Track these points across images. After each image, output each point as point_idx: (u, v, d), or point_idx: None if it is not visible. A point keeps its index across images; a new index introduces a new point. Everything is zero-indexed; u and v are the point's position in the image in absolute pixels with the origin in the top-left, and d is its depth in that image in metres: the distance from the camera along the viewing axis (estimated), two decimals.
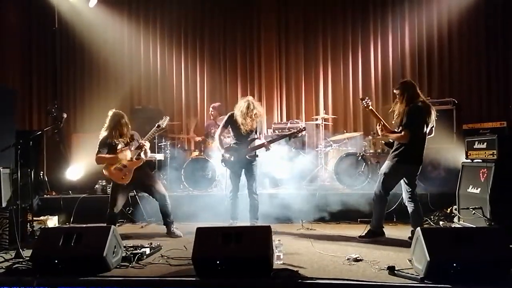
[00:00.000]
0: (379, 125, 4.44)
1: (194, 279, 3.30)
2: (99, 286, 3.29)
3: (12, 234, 4.47)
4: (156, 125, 4.69)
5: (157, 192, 4.78)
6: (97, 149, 4.70)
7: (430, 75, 7.72)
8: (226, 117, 5.11)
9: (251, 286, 3.25)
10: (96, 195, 6.17)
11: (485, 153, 4.64)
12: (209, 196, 5.99)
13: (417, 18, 7.78)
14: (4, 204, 4.63)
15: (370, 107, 4.56)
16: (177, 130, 8.04)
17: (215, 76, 8.34)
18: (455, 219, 4.96)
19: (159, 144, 6.83)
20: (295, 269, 3.46)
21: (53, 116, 7.12)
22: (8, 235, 4.54)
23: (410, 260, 3.48)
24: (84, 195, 6.10)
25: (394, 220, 5.27)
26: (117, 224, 5.38)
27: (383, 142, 4.66)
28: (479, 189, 4.56)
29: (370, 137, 6.65)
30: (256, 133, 5.02)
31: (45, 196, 6.30)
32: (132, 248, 3.99)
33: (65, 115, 6.40)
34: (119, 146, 4.66)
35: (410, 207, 4.41)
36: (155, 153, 6.75)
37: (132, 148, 4.65)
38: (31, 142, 4.63)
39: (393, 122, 4.54)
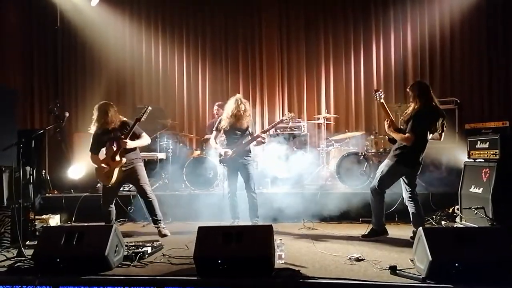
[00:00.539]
0: (387, 121, 4.39)
1: (195, 278, 3.30)
2: (100, 285, 3.30)
3: (14, 233, 4.49)
4: (135, 118, 4.64)
5: (138, 187, 4.71)
6: (90, 147, 4.73)
7: (432, 75, 7.70)
8: (217, 121, 5.15)
9: (252, 286, 3.25)
10: (97, 194, 6.14)
11: (487, 152, 4.62)
12: (210, 195, 5.99)
13: (419, 17, 7.77)
14: (6, 203, 4.64)
15: (382, 101, 4.49)
16: (179, 128, 8.04)
17: (217, 75, 8.34)
18: (457, 219, 4.95)
19: (161, 143, 6.83)
20: (297, 268, 3.45)
21: (55, 115, 7.12)
22: (10, 233, 4.56)
23: (412, 260, 3.47)
24: (86, 194, 6.11)
25: (396, 219, 5.26)
26: (119, 223, 5.41)
27: (386, 137, 4.64)
28: (481, 189, 4.55)
29: (372, 136, 6.63)
30: (248, 132, 5.04)
31: (47, 195, 6.31)
32: (133, 247, 3.99)
33: (67, 114, 6.38)
34: (107, 144, 4.64)
35: (410, 207, 4.40)
36: (157, 152, 6.75)
37: (115, 146, 4.59)
38: (33, 141, 4.65)
39: (400, 120, 4.53)
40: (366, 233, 4.49)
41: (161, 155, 6.78)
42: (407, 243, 4.15)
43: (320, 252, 4.02)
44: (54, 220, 5.58)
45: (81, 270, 3.43)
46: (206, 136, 6.97)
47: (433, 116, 4.19)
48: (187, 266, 3.58)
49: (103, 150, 4.71)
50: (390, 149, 4.62)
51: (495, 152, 4.47)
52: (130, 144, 4.59)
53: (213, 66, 8.36)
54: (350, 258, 3.70)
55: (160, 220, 4.73)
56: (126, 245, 3.94)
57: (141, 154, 4.97)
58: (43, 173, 6.62)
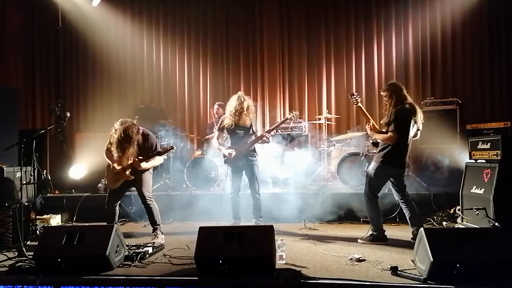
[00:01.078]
0: (368, 124, 4.44)
1: (196, 278, 3.31)
2: (102, 285, 3.30)
3: (15, 233, 4.49)
4: (157, 152, 4.58)
5: (139, 192, 4.66)
6: (108, 144, 4.64)
7: (434, 75, 7.69)
8: (220, 121, 5.13)
9: (253, 286, 3.25)
10: (99, 194, 6.17)
11: (488, 153, 4.61)
12: (211, 195, 5.99)
13: (420, 17, 7.75)
14: (7, 203, 4.64)
15: (359, 104, 4.56)
16: (180, 129, 8.03)
17: (218, 75, 8.34)
18: (459, 220, 4.95)
19: (162, 144, 6.83)
20: (298, 269, 3.46)
21: (57, 115, 7.14)
22: (11, 233, 4.57)
23: (413, 261, 3.47)
24: (87, 194, 6.11)
25: (397, 220, 5.25)
26: (120, 223, 5.41)
27: (370, 141, 4.67)
28: (482, 189, 4.54)
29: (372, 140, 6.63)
30: (252, 130, 5.02)
31: (48, 195, 6.31)
32: (134, 247, 4.00)
33: (68, 114, 6.40)
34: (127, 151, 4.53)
35: (405, 210, 4.40)
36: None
37: (130, 160, 4.48)
38: (34, 141, 4.64)
39: (381, 122, 4.56)
40: (365, 236, 4.46)
41: (161, 159, 6.76)
42: (408, 244, 4.15)
43: (321, 252, 4.02)
44: (55, 220, 5.59)
45: (82, 270, 3.44)
46: (207, 136, 6.98)
47: (410, 113, 4.26)
48: (188, 267, 3.59)
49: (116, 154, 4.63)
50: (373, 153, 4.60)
51: (497, 153, 4.47)
52: (143, 166, 4.55)
53: (214, 66, 8.36)
54: (351, 259, 3.70)
55: (158, 226, 4.62)
56: (127, 245, 3.95)
57: None
58: (44, 173, 6.62)
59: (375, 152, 6.22)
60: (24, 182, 4.65)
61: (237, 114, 4.87)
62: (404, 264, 3.52)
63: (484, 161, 4.69)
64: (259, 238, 3.40)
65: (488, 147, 4.63)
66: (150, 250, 3.98)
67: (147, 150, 4.59)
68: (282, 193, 5.95)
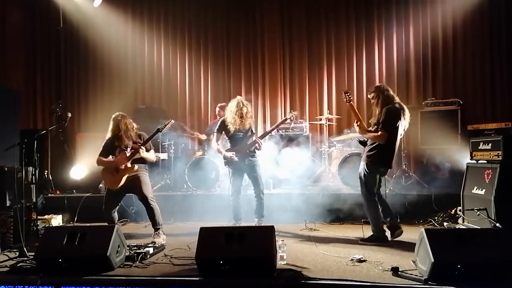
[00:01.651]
0: (357, 123, 4.46)
1: (197, 279, 3.31)
2: (102, 285, 3.30)
3: (16, 233, 4.49)
4: (157, 129, 4.67)
5: (139, 195, 4.67)
6: (100, 151, 4.72)
7: (435, 76, 7.69)
8: (218, 123, 5.15)
9: (254, 286, 3.25)
10: (100, 194, 6.16)
11: (490, 154, 4.61)
12: (212, 196, 6.00)
13: (421, 18, 7.74)
14: (8, 203, 4.65)
15: (351, 102, 4.58)
16: (181, 129, 8.03)
17: (219, 76, 8.34)
18: (460, 220, 4.94)
19: (163, 144, 6.84)
20: (299, 269, 3.45)
21: (58, 116, 7.15)
22: (12, 233, 4.57)
23: (414, 261, 3.47)
24: (88, 194, 6.11)
25: (398, 221, 5.24)
26: (121, 224, 5.41)
27: (357, 140, 4.70)
28: (483, 190, 4.53)
29: (360, 138, 6.60)
30: (251, 133, 5.04)
31: (49, 195, 6.33)
32: (135, 248, 4.01)
33: (69, 115, 6.42)
34: (117, 151, 4.64)
35: (378, 204, 4.46)
36: (159, 152, 6.76)
37: (128, 151, 4.59)
38: (35, 142, 4.65)
39: (369, 121, 4.60)
40: (367, 237, 4.46)
41: (163, 156, 6.79)
42: (409, 245, 4.14)
43: (322, 253, 4.01)
44: (56, 220, 5.60)
45: (83, 270, 3.44)
46: (207, 136, 6.98)
47: (400, 113, 4.30)
48: (189, 267, 3.59)
49: (111, 157, 4.67)
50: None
51: (498, 153, 4.46)
52: (144, 152, 4.57)
53: (215, 66, 8.36)
54: (352, 259, 3.70)
55: (159, 227, 4.62)
56: (128, 246, 3.95)
57: None
58: (46, 173, 6.64)
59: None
60: (25, 182, 4.66)
61: (237, 119, 4.92)
62: (405, 264, 3.52)
63: (485, 161, 4.68)
64: (260, 239, 3.40)
65: (489, 148, 4.63)
66: (151, 250, 3.98)
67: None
68: (283, 193, 5.95)
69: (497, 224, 4.09)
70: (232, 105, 5.00)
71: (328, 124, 7.03)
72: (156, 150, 6.60)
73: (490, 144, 4.63)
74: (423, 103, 7.06)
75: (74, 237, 3.57)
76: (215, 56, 8.37)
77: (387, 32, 7.90)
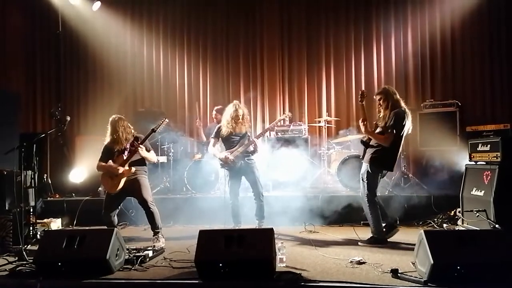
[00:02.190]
0: (363, 122, 4.43)
1: (197, 281, 3.31)
2: None
3: (15, 237, 4.49)
4: (151, 129, 4.65)
5: (138, 198, 4.65)
6: (99, 156, 4.72)
7: (433, 77, 7.70)
8: (215, 129, 5.17)
9: None
10: (99, 198, 6.15)
11: (488, 155, 4.62)
12: (212, 198, 5.99)
13: (419, 20, 7.77)
14: (7, 207, 4.65)
15: (363, 103, 4.57)
16: (180, 131, 8.04)
17: (218, 78, 8.35)
18: (459, 222, 4.94)
19: (162, 147, 6.84)
20: (298, 271, 3.45)
21: (57, 119, 7.14)
22: (11, 237, 4.56)
23: (414, 263, 3.47)
24: (87, 198, 6.10)
25: (397, 223, 5.24)
26: (120, 227, 5.40)
27: (360, 140, 4.69)
28: (482, 191, 4.54)
29: (363, 138, 6.61)
30: (247, 136, 5.06)
31: (48, 198, 6.31)
32: (135, 251, 4.00)
33: (68, 118, 6.40)
34: (116, 154, 4.64)
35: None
36: (158, 155, 6.75)
37: (126, 154, 4.59)
38: (34, 145, 4.65)
39: (374, 122, 4.62)
40: (366, 239, 4.46)
41: (162, 159, 6.79)
42: (408, 246, 4.15)
43: (321, 255, 4.01)
44: (56, 224, 5.59)
45: (82, 273, 3.44)
46: (206, 138, 6.97)
47: (406, 116, 4.34)
48: (188, 270, 3.59)
49: (110, 161, 4.65)
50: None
51: (497, 155, 4.47)
52: (143, 151, 4.58)
53: (214, 69, 8.37)
54: (351, 261, 3.70)
55: (159, 230, 4.61)
56: (127, 249, 3.95)
57: None
58: (45, 177, 6.63)
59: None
60: (25, 186, 4.65)
61: (233, 122, 4.94)
62: (405, 266, 3.52)
63: (484, 163, 4.69)
64: (259, 241, 3.40)
65: (488, 149, 4.64)
66: (150, 253, 3.97)
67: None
68: (282, 196, 5.95)
69: (497, 225, 4.10)
70: (228, 109, 5.06)
71: (327, 126, 7.04)
72: (155, 153, 6.62)
73: (489, 146, 4.64)
74: (422, 104, 7.07)
75: (73, 241, 3.57)
76: (214, 59, 8.38)
77: (386, 33, 7.92)
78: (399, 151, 4.44)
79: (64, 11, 8.00)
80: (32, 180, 4.86)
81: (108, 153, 4.69)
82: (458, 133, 6.62)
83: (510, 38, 7.37)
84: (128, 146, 4.63)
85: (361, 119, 4.45)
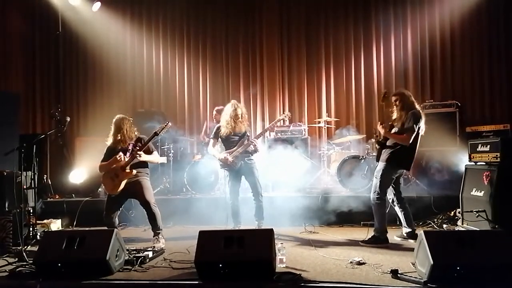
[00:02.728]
0: (382, 124, 4.53)
1: (196, 282, 3.30)
2: None
3: (15, 238, 4.49)
4: (154, 132, 4.63)
5: (141, 200, 4.64)
6: (102, 157, 4.71)
7: (433, 78, 7.70)
8: (214, 129, 5.16)
9: None
10: (99, 199, 6.17)
11: (488, 155, 4.62)
12: (211, 199, 5.99)
13: (419, 20, 7.78)
14: (7, 208, 4.65)
15: (384, 103, 4.68)
16: (180, 132, 8.04)
17: (218, 79, 8.36)
18: (459, 222, 4.94)
19: (162, 148, 6.84)
20: (298, 272, 3.45)
21: (57, 120, 7.14)
22: (11, 238, 4.56)
23: (414, 264, 3.47)
24: (87, 199, 6.10)
25: (398, 223, 5.24)
26: (120, 228, 5.40)
27: (377, 141, 4.73)
28: (482, 192, 4.54)
29: (372, 139, 6.63)
30: (247, 136, 5.05)
31: (48, 199, 6.31)
32: (135, 252, 4.00)
33: (68, 119, 6.40)
34: (118, 154, 4.61)
35: (402, 208, 4.62)
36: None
37: (127, 156, 4.57)
38: (34, 146, 4.65)
39: (390, 123, 4.65)
40: (367, 239, 4.47)
41: (163, 159, 6.78)
42: (408, 247, 4.15)
43: (321, 256, 4.01)
44: (56, 225, 5.59)
45: (82, 274, 3.44)
46: (204, 136, 6.97)
47: (422, 117, 4.43)
48: (188, 271, 3.58)
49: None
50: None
51: (496, 155, 4.47)
52: (143, 156, 4.58)
53: (214, 69, 8.37)
54: (351, 262, 3.70)
55: (159, 231, 4.61)
56: (127, 250, 3.95)
57: None
58: (45, 177, 6.63)
59: (375, 155, 6.29)
60: (25, 186, 4.65)
61: (233, 122, 4.93)
62: (405, 267, 3.52)
63: (484, 163, 4.70)
64: (259, 242, 3.40)
65: (488, 150, 4.64)
66: (150, 254, 3.97)
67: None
68: (281, 196, 5.95)
69: (496, 226, 4.10)
70: (227, 108, 5.04)
71: (327, 126, 7.04)
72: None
73: (488, 146, 4.64)
74: (422, 105, 7.01)
75: (73, 242, 3.57)
76: (214, 59, 8.39)
77: (385, 33, 7.92)
78: (416, 151, 4.49)
79: (64, 11, 8.01)
80: (32, 181, 4.87)
81: (111, 153, 4.67)
82: (457, 133, 6.62)
83: (509, 38, 7.37)
84: (130, 147, 4.61)
85: (379, 122, 4.55)
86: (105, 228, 4.56)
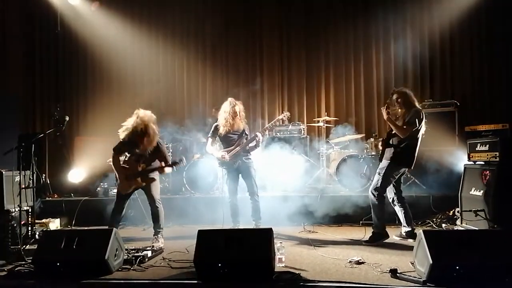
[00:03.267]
0: (387, 109, 4.53)
1: (195, 282, 3.31)
2: None
3: (14, 237, 4.48)
4: (172, 162, 4.66)
5: (148, 194, 4.64)
6: (117, 148, 4.60)
7: (432, 77, 7.71)
8: (212, 127, 5.15)
9: None
10: (97, 198, 6.18)
11: (487, 155, 4.63)
12: (210, 198, 5.99)
13: (418, 20, 7.78)
14: (6, 207, 4.64)
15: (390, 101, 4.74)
16: (180, 132, 8.03)
17: (218, 79, 8.34)
18: (458, 222, 4.95)
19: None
20: (297, 272, 3.45)
21: (56, 119, 7.13)
22: (10, 237, 4.55)
23: (413, 263, 3.47)
24: (86, 198, 6.10)
25: (396, 222, 5.24)
26: (119, 227, 5.39)
27: (382, 140, 4.75)
28: (481, 191, 4.55)
29: (371, 139, 6.64)
30: (245, 135, 5.04)
31: (47, 199, 6.30)
32: (134, 251, 4.00)
33: (67, 118, 6.39)
34: (133, 157, 4.60)
35: (402, 207, 4.63)
36: None
37: (140, 166, 4.55)
38: (33, 145, 4.64)
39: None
40: (368, 238, 4.48)
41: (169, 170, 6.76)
42: (407, 246, 4.15)
43: (320, 255, 4.01)
44: (54, 224, 5.59)
45: (81, 274, 3.44)
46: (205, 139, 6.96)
47: (423, 117, 4.48)
48: (187, 270, 3.59)
49: (126, 157, 4.67)
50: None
51: (495, 155, 4.48)
52: (167, 171, 4.64)
53: (214, 71, 8.36)
54: (350, 261, 3.70)
55: (160, 230, 4.60)
56: (126, 249, 3.94)
57: None
58: (43, 177, 6.61)
59: (374, 154, 6.30)
60: (23, 186, 4.65)
61: (231, 119, 4.91)
62: (404, 266, 3.52)
63: (483, 163, 4.70)
64: (258, 241, 3.41)
65: (487, 149, 4.65)
66: (149, 253, 3.97)
67: (155, 156, 4.63)
68: (281, 196, 5.95)
69: (495, 225, 4.11)
70: (224, 106, 5.02)
71: (326, 126, 7.04)
72: None
73: (487, 146, 4.65)
74: (421, 104, 7.05)
75: (72, 241, 3.57)
76: (214, 60, 8.37)
77: (385, 33, 7.93)
78: (417, 149, 4.50)
79: (64, 11, 8.00)
80: (31, 180, 4.85)
81: (124, 149, 4.60)
82: (457, 133, 6.63)
83: (508, 38, 7.37)
84: (147, 154, 4.57)
85: (385, 106, 4.54)
86: (104, 227, 4.54)
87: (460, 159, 5.92)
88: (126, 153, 4.69)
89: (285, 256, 3.71)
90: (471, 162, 4.94)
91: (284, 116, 5.33)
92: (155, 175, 4.69)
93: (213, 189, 6.31)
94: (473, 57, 7.55)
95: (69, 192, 6.54)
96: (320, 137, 7.25)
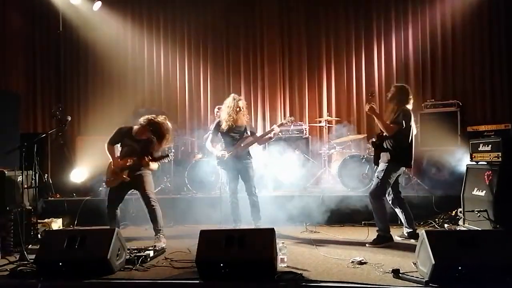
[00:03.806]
0: (369, 104, 4.51)
1: (197, 281, 3.31)
2: None
3: (16, 237, 4.49)
4: (165, 155, 4.69)
5: (142, 194, 4.64)
6: (112, 137, 4.66)
7: (434, 77, 7.69)
8: (214, 123, 5.13)
9: None
10: (100, 198, 6.16)
11: (489, 155, 4.61)
12: (212, 198, 5.99)
13: (420, 19, 7.75)
14: (8, 207, 4.64)
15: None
16: (181, 132, 8.04)
17: (219, 78, 8.35)
18: (460, 222, 4.94)
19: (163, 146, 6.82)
20: (299, 272, 3.45)
21: (58, 119, 7.14)
22: (12, 237, 4.56)
23: (415, 263, 3.47)
24: (88, 198, 6.10)
25: (399, 222, 5.23)
26: (121, 227, 5.39)
27: (371, 141, 4.74)
28: (484, 191, 4.53)
29: (373, 139, 6.62)
30: (246, 133, 5.03)
31: (49, 198, 6.31)
32: (136, 251, 4.00)
33: (69, 118, 6.39)
34: (124, 148, 4.63)
35: (399, 208, 4.61)
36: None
37: (130, 161, 4.56)
38: (35, 145, 4.65)
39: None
40: (373, 240, 4.44)
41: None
42: (410, 247, 4.14)
43: (322, 255, 4.01)
44: (57, 224, 5.59)
45: (83, 273, 3.44)
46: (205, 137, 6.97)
47: (411, 116, 4.44)
48: (189, 270, 3.59)
49: (119, 149, 4.70)
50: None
51: (498, 155, 4.47)
52: (152, 166, 4.63)
53: (215, 69, 8.36)
54: (353, 262, 3.69)
55: (160, 229, 4.58)
56: (128, 249, 3.95)
57: None
58: (46, 177, 6.62)
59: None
60: (26, 186, 4.66)
61: (234, 113, 4.89)
62: (406, 266, 3.52)
63: (485, 163, 4.69)
64: (260, 241, 3.40)
65: (489, 149, 4.64)
66: (151, 253, 3.97)
67: (145, 151, 4.63)
68: (283, 196, 5.95)
69: (498, 226, 4.10)
70: (227, 101, 4.99)
71: (328, 126, 7.03)
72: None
73: (490, 146, 4.64)
74: (423, 104, 7.06)
75: (74, 241, 3.57)
76: (215, 59, 8.38)
77: (386, 33, 7.91)
78: (412, 148, 4.48)
79: (65, 11, 8.01)
80: (33, 180, 4.86)
81: (120, 139, 4.65)
82: (459, 133, 6.61)
83: (510, 37, 7.35)
84: (140, 149, 4.59)
85: (367, 103, 4.53)
86: (106, 227, 4.56)
87: (462, 159, 5.90)
88: (119, 145, 4.70)
89: (287, 256, 3.71)
90: (474, 162, 4.93)
91: (288, 122, 5.31)
92: (146, 173, 4.69)
93: (215, 189, 6.31)
94: (475, 57, 7.52)
95: (71, 192, 6.55)
96: (322, 137, 7.23)
